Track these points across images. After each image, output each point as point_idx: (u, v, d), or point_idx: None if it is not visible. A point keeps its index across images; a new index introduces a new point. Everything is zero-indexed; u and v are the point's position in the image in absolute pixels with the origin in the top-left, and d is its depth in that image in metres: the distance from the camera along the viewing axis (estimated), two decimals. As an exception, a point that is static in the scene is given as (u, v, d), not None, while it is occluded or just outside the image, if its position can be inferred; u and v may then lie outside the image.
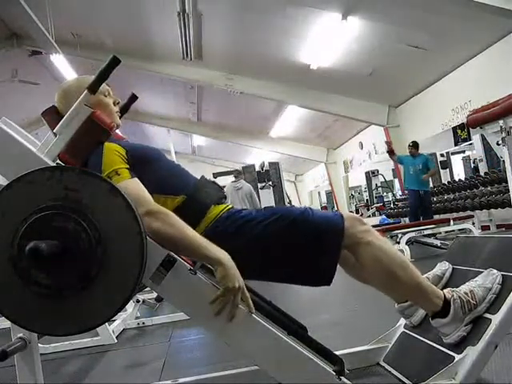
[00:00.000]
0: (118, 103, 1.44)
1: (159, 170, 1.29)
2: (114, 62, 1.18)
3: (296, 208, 1.32)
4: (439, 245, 5.29)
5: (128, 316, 3.15)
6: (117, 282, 1.00)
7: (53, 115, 1.35)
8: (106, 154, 1.21)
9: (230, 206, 1.33)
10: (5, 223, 0.99)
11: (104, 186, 1.02)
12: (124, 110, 1.50)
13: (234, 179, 6.78)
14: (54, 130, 1.16)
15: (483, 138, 6.68)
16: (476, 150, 7.87)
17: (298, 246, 1.23)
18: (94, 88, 1.17)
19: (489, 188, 6.09)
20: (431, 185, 8.80)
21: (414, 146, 6.78)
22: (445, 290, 1.32)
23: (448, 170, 9.63)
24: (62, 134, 1.14)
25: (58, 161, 1.21)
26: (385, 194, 11.77)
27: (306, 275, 1.26)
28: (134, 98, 1.56)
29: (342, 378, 1.11)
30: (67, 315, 1.01)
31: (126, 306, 3.43)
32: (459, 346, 1.25)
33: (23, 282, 0.98)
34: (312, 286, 1.26)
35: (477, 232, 5.43)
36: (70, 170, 1.04)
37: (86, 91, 1.16)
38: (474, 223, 5.86)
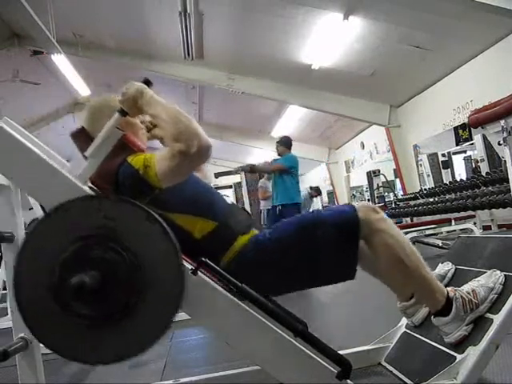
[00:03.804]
0: (143, 122, 1.44)
1: (189, 188, 1.28)
2: (146, 84, 1.20)
3: (306, 214, 1.32)
4: (441, 245, 5.29)
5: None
6: (155, 313, 0.99)
7: (82, 136, 1.35)
8: (133, 160, 1.20)
9: (255, 233, 1.33)
10: (44, 252, 0.98)
11: (141, 214, 1.00)
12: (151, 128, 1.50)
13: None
14: (86, 154, 1.15)
15: (484, 138, 6.67)
16: (477, 150, 7.86)
17: (319, 248, 1.24)
18: (125, 110, 1.18)
19: (490, 188, 6.07)
20: (431, 184, 8.76)
21: (281, 142, 5.14)
22: (448, 289, 1.32)
23: (449, 169, 9.62)
24: (94, 158, 1.14)
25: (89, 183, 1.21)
26: (386, 193, 11.75)
27: (331, 274, 1.27)
28: None
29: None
30: (104, 344, 1.00)
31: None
32: (460, 345, 1.25)
33: (62, 311, 0.97)
34: (339, 283, 1.27)
35: (478, 232, 5.43)
36: (107, 199, 1.03)
37: (117, 114, 1.17)
38: (475, 223, 5.85)
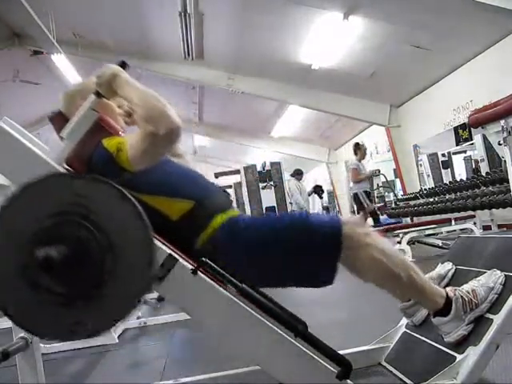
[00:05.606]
0: (121, 106, 1.44)
1: (159, 168, 1.26)
2: (122, 67, 1.19)
3: (293, 213, 1.31)
4: (440, 245, 5.28)
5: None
6: (125, 290, 0.99)
7: (59, 119, 1.35)
8: (108, 143, 1.21)
9: (235, 213, 1.32)
10: (15, 228, 0.98)
11: (114, 193, 1.00)
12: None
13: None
14: (61, 134, 1.15)
15: (484, 138, 6.66)
16: (477, 150, 7.85)
17: (296, 248, 1.22)
18: (100, 93, 1.17)
19: (490, 188, 6.07)
20: (431, 184, 8.76)
21: None
22: (447, 288, 1.33)
23: (449, 169, 9.61)
24: (70, 139, 1.13)
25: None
26: (386, 193, 11.75)
27: (306, 278, 1.26)
28: None
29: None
30: (75, 321, 1.00)
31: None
32: (461, 345, 1.25)
33: (32, 288, 0.97)
34: (314, 288, 1.26)
35: (478, 232, 5.43)
36: (80, 177, 1.03)
37: (92, 96, 1.16)
38: (475, 223, 5.85)
